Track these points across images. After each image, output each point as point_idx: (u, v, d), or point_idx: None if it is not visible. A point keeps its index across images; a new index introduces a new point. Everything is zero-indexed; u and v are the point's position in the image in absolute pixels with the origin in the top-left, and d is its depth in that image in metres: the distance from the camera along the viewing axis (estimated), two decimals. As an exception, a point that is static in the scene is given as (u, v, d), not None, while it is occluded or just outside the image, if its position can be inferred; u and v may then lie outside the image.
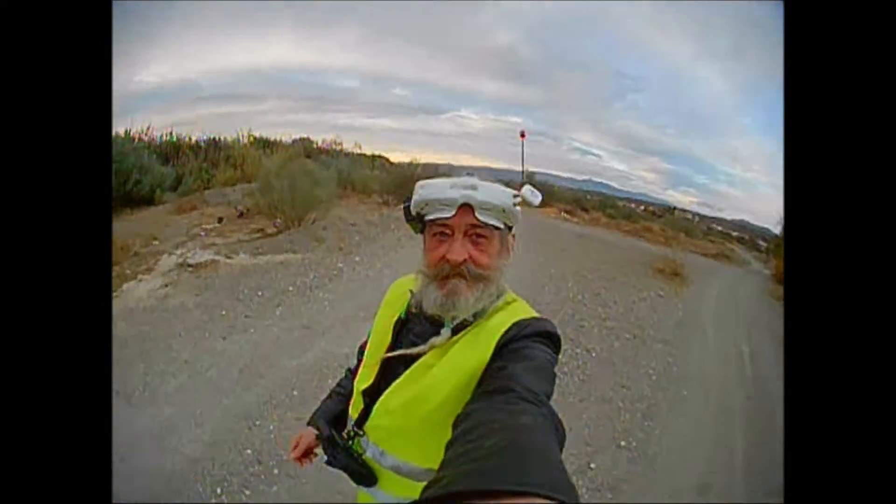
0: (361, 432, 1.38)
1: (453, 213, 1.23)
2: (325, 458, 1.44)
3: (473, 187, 1.22)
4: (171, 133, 15.45)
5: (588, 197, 22.59)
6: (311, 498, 3.35)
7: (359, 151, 20.97)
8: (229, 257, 7.84)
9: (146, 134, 14.62)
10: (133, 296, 6.32)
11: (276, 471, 3.63)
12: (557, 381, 3.76)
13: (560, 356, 4.01)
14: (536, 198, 1.30)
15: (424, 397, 1.22)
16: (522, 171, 1.51)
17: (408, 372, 1.29)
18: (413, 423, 1.24)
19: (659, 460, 4.22)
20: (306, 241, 8.81)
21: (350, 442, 1.40)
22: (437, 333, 1.28)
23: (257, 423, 4.15)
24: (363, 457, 1.38)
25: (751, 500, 3.83)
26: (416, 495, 1.26)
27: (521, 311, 1.32)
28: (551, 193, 20.92)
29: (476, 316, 1.29)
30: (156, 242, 8.46)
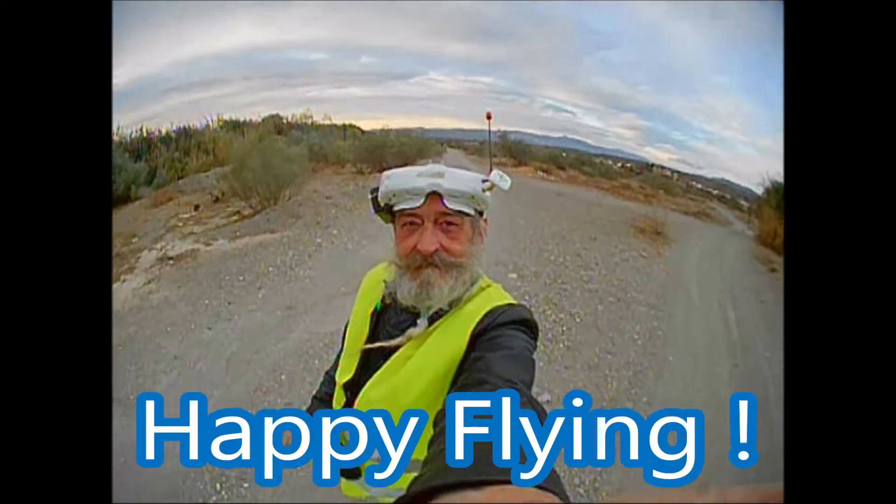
0: None
1: (421, 202, 1.21)
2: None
3: (440, 175, 1.22)
4: (140, 129, 15.27)
5: (563, 155, 22.43)
6: (308, 484, 3.36)
7: (329, 123, 20.76)
8: (208, 244, 7.79)
9: (116, 134, 14.43)
10: (118, 298, 6.25)
11: (272, 461, 3.62)
12: (544, 348, 3.81)
13: (545, 322, 4.01)
14: (505, 182, 1.25)
15: (404, 389, 1.22)
16: (490, 157, 1.49)
17: (387, 364, 1.29)
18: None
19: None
20: (283, 219, 8.77)
21: None
22: (414, 324, 1.28)
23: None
24: None
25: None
26: (403, 484, 1.29)
27: (495, 297, 1.31)
28: (526, 152, 20.81)
29: (451, 305, 1.28)
30: (135, 240, 8.37)
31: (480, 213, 1.32)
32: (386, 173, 1.30)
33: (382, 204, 1.31)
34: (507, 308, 1.26)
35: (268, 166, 9.23)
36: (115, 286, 6.60)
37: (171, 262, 7.19)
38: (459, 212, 1.23)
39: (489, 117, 1.59)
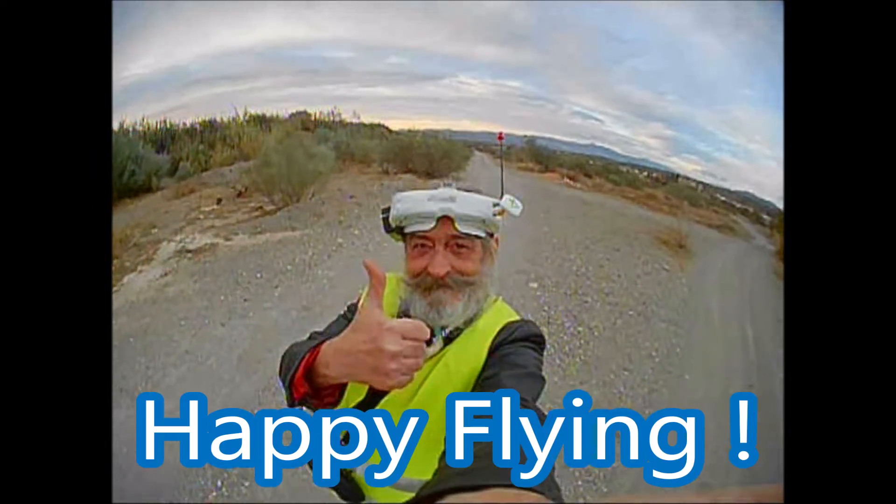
0: None
1: (433, 225, 1.21)
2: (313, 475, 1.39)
3: (452, 199, 1.21)
4: (164, 120, 15.48)
5: (591, 162, 22.36)
6: (309, 486, 3.33)
7: (357, 121, 20.87)
8: (228, 239, 7.82)
9: (141, 124, 14.68)
10: (134, 288, 6.32)
11: (274, 460, 3.60)
12: (559, 362, 3.83)
13: (563, 335, 4.00)
14: (517, 208, 1.26)
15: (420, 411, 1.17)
16: (501, 182, 1.42)
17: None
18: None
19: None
20: (305, 217, 8.79)
21: None
22: (430, 343, 1.25)
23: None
24: (352, 474, 1.34)
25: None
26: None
27: (504, 313, 1.32)
28: (553, 158, 20.82)
29: (467, 323, 1.27)
30: (154, 231, 8.46)
31: (491, 235, 1.32)
32: (398, 196, 1.31)
33: (394, 225, 1.33)
34: (520, 324, 1.28)
35: (293, 163, 9.24)
36: (131, 276, 6.69)
37: (189, 255, 7.23)
38: (470, 234, 1.23)
39: (501, 138, 1.56)
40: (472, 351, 1.22)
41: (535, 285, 6.87)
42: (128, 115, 14.41)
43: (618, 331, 6.03)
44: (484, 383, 1.11)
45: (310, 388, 1.13)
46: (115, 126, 13.58)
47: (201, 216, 9.15)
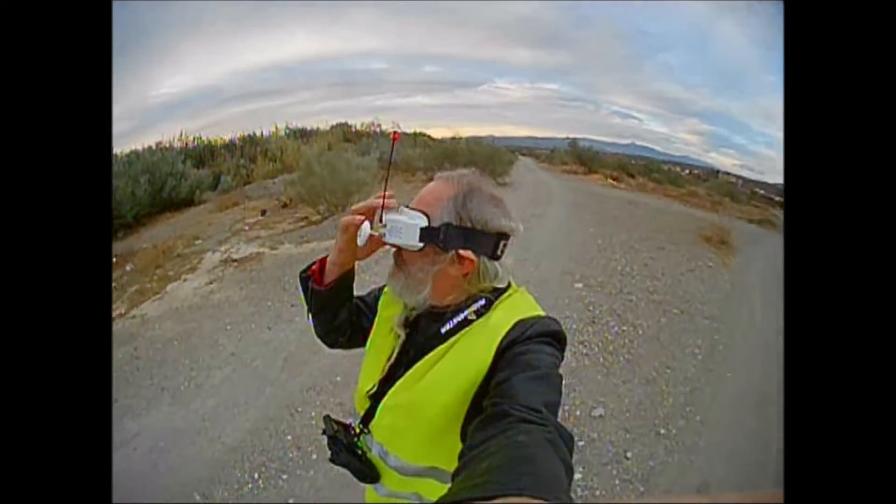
0: (367, 430, 1.36)
1: None
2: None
3: (390, 210, 1.25)
4: (200, 137, 15.95)
5: (632, 161, 22.17)
6: (348, 482, 3.37)
7: (399, 130, 21.15)
8: (274, 248, 7.98)
9: (180, 140, 15.14)
10: (178, 296, 6.51)
11: (314, 456, 3.69)
12: (603, 360, 3.80)
13: (607, 334, 3.94)
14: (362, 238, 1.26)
15: (426, 400, 1.18)
16: (385, 183, 1.29)
17: (408, 374, 1.25)
18: (415, 425, 1.21)
19: (696, 450, 4.05)
20: (351, 226, 8.84)
21: (355, 439, 1.38)
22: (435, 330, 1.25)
23: (299, 409, 4.22)
24: (367, 455, 1.37)
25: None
26: (416, 489, 1.31)
27: (522, 306, 1.24)
28: (596, 159, 20.69)
29: (478, 314, 1.22)
30: (198, 241, 8.71)
31: (444, 249, 1.19)
32: None
33: None
34: (534, 321, 1.19)
35: (336, 173, 9.36)
36: (174, 285, 6.90)
37: (234, 264, 7.41)
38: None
39: (395, 138, 1.52)
40: (480, 346, 1.16)
41: (580, 285, 6.79)
42: (164, 132, 14.88)
43: (662, 329, 5.93)
44: (496, 388, 1.05)
45: (318, 268, 1.41)
46: (152, 143, 14.12)
47: (246, 227, 9.38)
